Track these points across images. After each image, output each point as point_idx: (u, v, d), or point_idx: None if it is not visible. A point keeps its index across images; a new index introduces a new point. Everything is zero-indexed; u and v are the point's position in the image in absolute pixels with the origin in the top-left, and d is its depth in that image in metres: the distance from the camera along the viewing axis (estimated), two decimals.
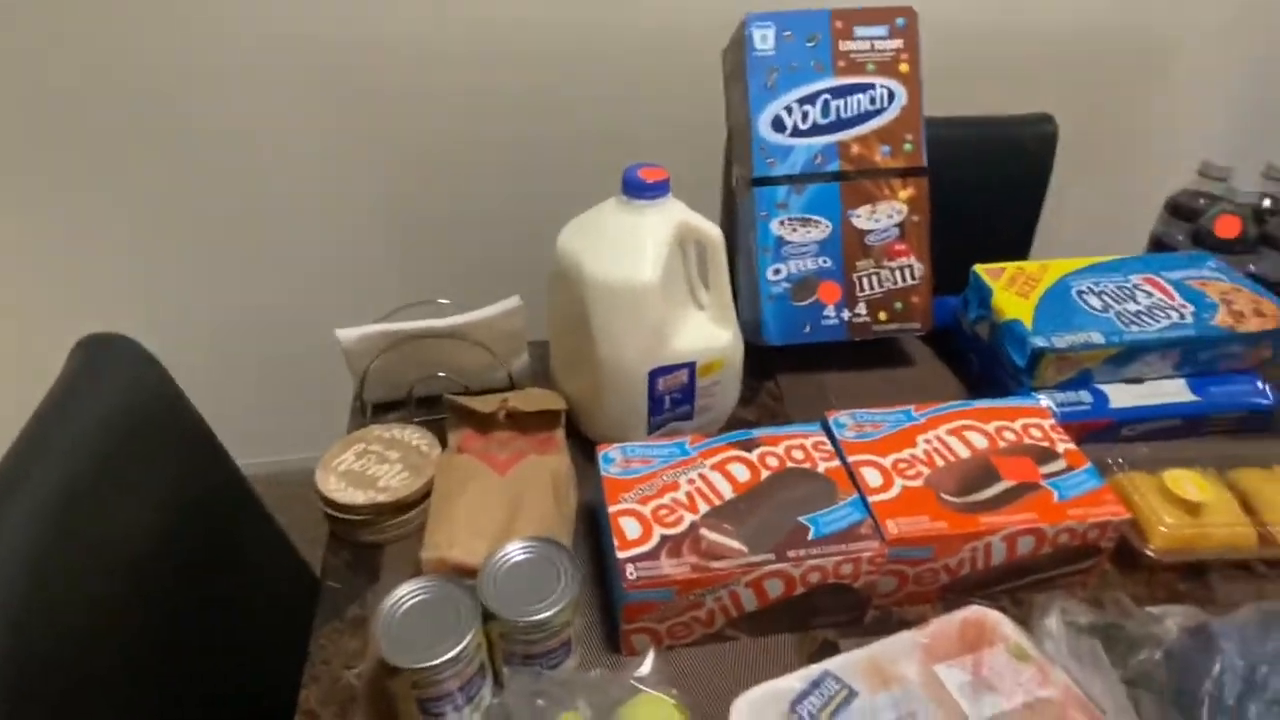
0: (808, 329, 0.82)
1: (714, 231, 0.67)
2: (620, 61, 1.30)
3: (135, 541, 0.61)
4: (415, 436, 0.71)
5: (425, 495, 0.66)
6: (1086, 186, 1.35)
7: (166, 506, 0.65)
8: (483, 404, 0.71)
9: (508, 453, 0.68)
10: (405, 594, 0.52)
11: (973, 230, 0.96)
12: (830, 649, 0.59)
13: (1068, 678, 0.52)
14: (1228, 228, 0.86)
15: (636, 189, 0.65)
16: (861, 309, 0.83)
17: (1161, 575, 0.64)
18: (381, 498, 0.65)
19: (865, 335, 0.83)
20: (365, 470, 0.68)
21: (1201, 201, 0.92)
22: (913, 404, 0.69)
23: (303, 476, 0.72)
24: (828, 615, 0.60)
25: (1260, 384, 0.78)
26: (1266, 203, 0.91)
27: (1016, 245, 1.09)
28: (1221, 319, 0.75)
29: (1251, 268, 0.89)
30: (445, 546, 0.59)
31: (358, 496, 0.65)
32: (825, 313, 0.82)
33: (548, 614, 0.51)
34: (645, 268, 0.64)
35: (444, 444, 0.71)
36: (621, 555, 0.55)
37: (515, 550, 0.54)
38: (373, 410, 0.81)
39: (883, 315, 0.83)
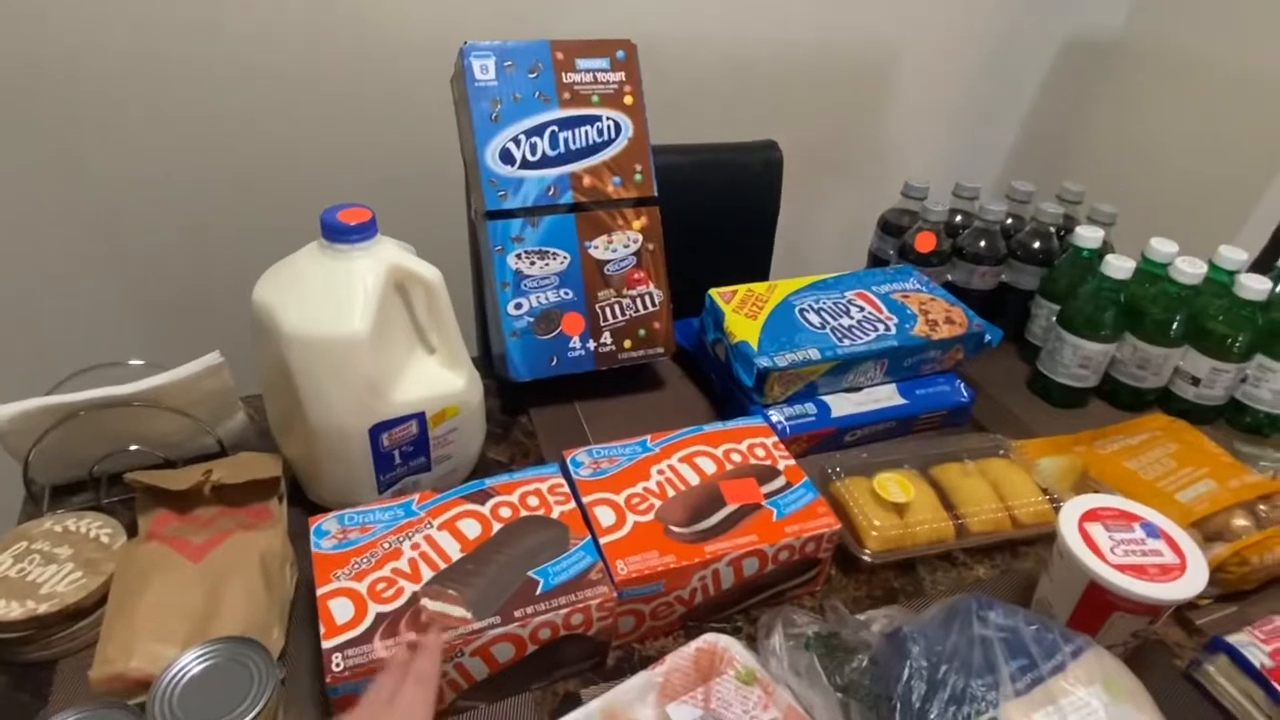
0: (554, 362, 0.81)
1: (430, 273, 0.64)
2: (349, 84, 1.22)
3: None
4: (96, 526, 0.61)
5: (104, 598, 0.57)
6: (815, 207, 1.47)
7: None
8: (177, 479, 0.62)
9: (208, 534, 0.60)
10: None
11: (716, 254, 1.00)
12: (572, 701, 0.57)
13: (790, 696, 0.54)
14: (925, 243, 0.96)
15: (338, 233, 0.60)
16: (606, 338, 0.83)
17: (879, 575, 0.69)
18: (43, 608, 0.54)
19: (612, 364, 0.83)
20: (25, 575, 0.57)
21: (905, 219, 1.02)
22: (649, 433, 0.70)
23: None
24: (569, 665, 0.59)
25: (958, 383, 0.87)
26: (958, 218, 1.03)
27: (757, 266, 1.15)
28: (919, 329, 0.83)
29: (949, 277, 1.00)
30: (120, 659, 0.51)
31: (12, 610, 0.54)
32: (571, 344, 0.81)
33: None
34: (353, 319, 0.59)
35: (135, 531, 0.62)
36: (326, 645, 0.49)
37: (193, 659, 0.47)
38: (52, 494, 0.69)
39: (627, 343, 0.84)
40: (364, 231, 0.61)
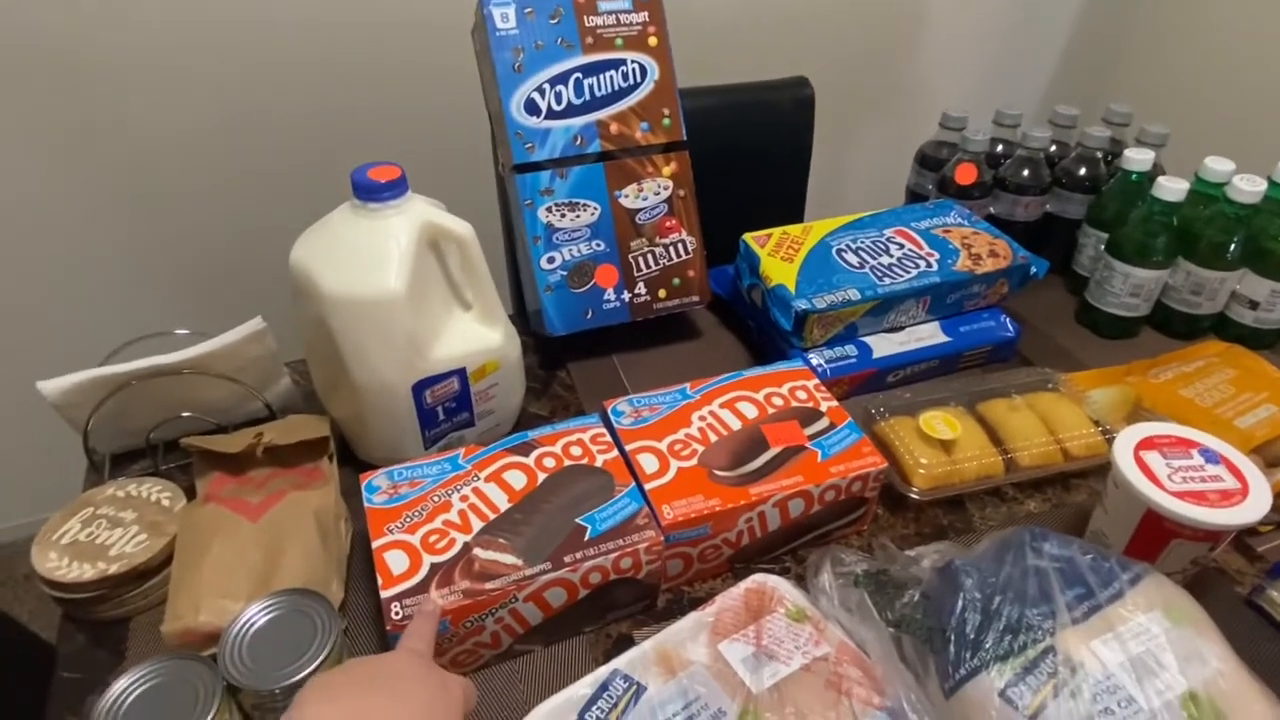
0: (589, 315, 0.81)
1: (462, 229, 0.63)
2: (370, 45, 1.20)
3: None
4: (157, 491, 0.63)
5: (169, 558, 0.59)
6: (850, 144, 1.42)
7: None
8: (230, 442, 0.64)
9: (263, 494, 0.62)
10: (130, 684, 0.46)
11: (748, 198, 0.99)
12: (625, 643, 0.58)
13: (841, 632, 0.55)
14: (965, 175, 0.93)
15: (370, 192, 0.60)
16: (641, 288, 0.82)
17: (927, 512, 0.69)
18: (114, 569, 0.57)
19: (648, 314, 0.83)
20: (94, 539, 0.59)
21: (944, 151, 0.98)
22: (689, 381, 0.69)
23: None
24: (620, 609, 0.59)
25: (1003, 318, 0.85)
26: (999, 148, 0.99)
27: (791, 208, 1.12)
28: (963, 263, 0.81)
29: (991, 210, 0.96)
30: (189, 614, 0.53)
31: (84, 571, 0.57)
32: (605, 296, 0.81)
33: (304, 674, 0.46)
34: (389, 277, 0.59)
35: (193, 494, 0.64)
36: (385, 594, 0.51)
37: (259, 610, 0.49)
38: (112, 462, 0.71)
39: (662, 293, 0.83)
40: (395, 189, 0.60)
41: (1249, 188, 0.80)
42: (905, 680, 0.50)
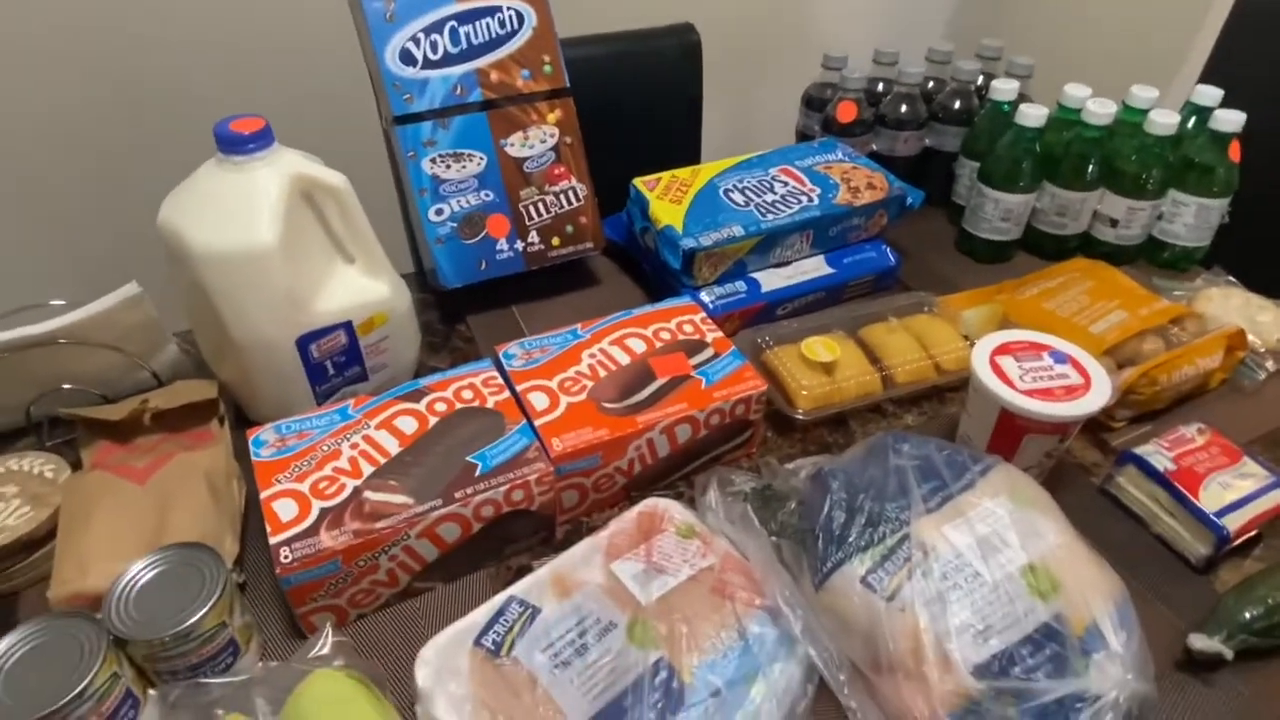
0: (484, 266, 0.81)
1: (335, 179, 0.63)
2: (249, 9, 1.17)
3: None
4: (39, 464, 0.62)
5: (54, 530, 0.58)
6: (743, 89, 1.44)
7: None
8: (114, 410, 0.63)
9: (150, 459, 0.61)
10: (12, 646, 0.46)
11: (644, 146, 0.99)
12: (525, 574, 0.60)
13: (727, 543, 0.58)
14: (846, 113, 0.96)
15: (234, 144, 0.59)
16: (534, 237, 0.83)
17: (812, 432, 0.72)
18: None
19: (543, 263, 0.84)
20: None
21: (827, 92, 1.01)
22: (579, 322, 0.71)
23: None
24: (518, 541, 0.61)
25: (884, 248, 0.89)
26: (879, 86, 1.02)
27: (688, 154, 1.14)
28: (842, 197, 0.84)
29: (874, 147, 1.00)
30: (77, 578, 0.53)
31: None
32: (498, 247, 0.81)
33: (190, 621, 0.47)
34: (259, 229, 0.59)
35: (79, 466, 0.63)
36: (274, 540, 0.51)
37: (145, 566, 0.49)
38: None
39: (556, 240, 0.84)
40: (260, 140, 0.59)
41: (1101, 110, 0.85)
42: (783, 580, 0.54)
